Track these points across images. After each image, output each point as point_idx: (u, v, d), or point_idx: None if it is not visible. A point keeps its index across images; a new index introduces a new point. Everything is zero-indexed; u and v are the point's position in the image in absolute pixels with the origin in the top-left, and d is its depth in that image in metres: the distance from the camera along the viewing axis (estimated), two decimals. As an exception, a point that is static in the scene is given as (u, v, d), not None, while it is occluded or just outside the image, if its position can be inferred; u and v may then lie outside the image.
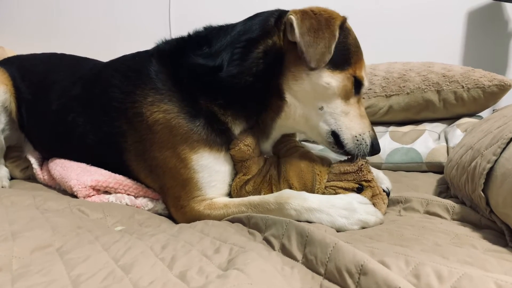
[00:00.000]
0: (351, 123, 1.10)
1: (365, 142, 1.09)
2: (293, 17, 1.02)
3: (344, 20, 1.08)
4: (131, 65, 1.20)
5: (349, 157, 1.13)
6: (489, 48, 2.28)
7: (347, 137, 1.09)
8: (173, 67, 1.12)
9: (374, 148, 1.11)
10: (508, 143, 0.84)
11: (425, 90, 1.70)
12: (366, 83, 1.13)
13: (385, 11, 2.30)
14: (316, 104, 1.08)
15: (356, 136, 1.09)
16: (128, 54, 1.30)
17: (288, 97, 1.08)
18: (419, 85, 1.72)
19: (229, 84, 1.06)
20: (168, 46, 1.18)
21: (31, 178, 1.48)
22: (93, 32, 2.57)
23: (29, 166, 1.46)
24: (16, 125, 1.47)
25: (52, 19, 2.59)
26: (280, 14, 1.10)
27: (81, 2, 2.58)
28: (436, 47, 2.27)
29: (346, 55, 1.08)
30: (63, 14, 2.59)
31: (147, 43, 1.26)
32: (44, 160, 1.45)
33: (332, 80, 1.06)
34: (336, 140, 1.10)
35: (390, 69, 1.83)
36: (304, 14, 1.04)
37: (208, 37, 1.14)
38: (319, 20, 1.03)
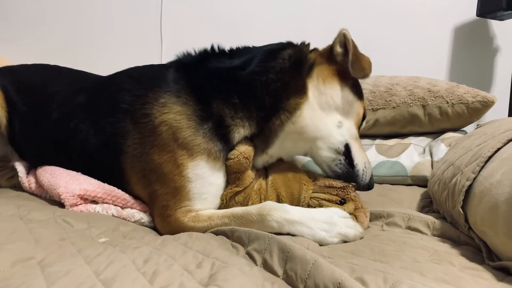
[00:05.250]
0: (359, 150, 1.19)
1: (368, 173, 1.18)
2: (346, 32, 1.16)
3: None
4: (146, 72, 1.23)
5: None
6: (475, 63, 2.33)
7: (358, 158, 1.16)
8: (194, 74, 1.15)
9: (371, 182, 1.20)
10: (486, 162, 0.87)
11: (411, 104, 1.73)
12: (364, 122, 1.27)
13: (373, 25, 2.34)
14: (336, 116, 1.16)
15: (365, 163, 1.17)
16: (140, 66, 1.31)
17: (310, 94, 1.14)
18: (405, 99, 1.74)
19: (249, 81, 1.11)
20: (190, 58, 1.23)
21: (17, 186, 1.47)
22: (80, 42, 2.57)
23: (14, 175, 1.45)
24: (5, 140, 1.45)
25: (45, 31, 2.58)
26: (305, 42, 1.25)
27: (67, 11, 2.57)
28: (422, 61, 2.31)
29: (360, 90, 1.24)
30: (55, 25, 2.58)
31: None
32: (30, 169, 1.44)
33: (354, 101, 1.19)
34: (346, 154, 1.15)
35: (377, 83, 1.85)
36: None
37: (230, 52, 1.23)
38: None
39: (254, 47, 1.23)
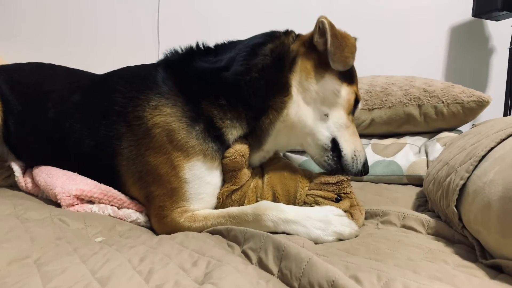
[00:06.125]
0: (350, 137, 1.16)
1: (360, 160, 1.15)
2: (325, 20, 1.10)
3: (355, 39, 1.17)
4: (137, 73, 1.23)
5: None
6: (470, 63, 2.34)
7: (345, 148, 1.14)
8: (181, 74, 1.15)
9: (366, 168, 1.17)
10: (480, 161, 0.87)
11: (407, 104, 1.74)
12: (360, 104, 1.22)
13: (370, 26, 2.35)
14: (322, 109, 1.13)
15: (354, 151, 1.15)
16: (132, 66, 1.31)
17: (294, 91, 1.12)
18: (400, 99, 1.75)
19: (233, 82, 1.10)
20: (177, 55, 1.23)
21: (13, 186, 1.47)
22: (77, 41, 2.57)
23: (11, 174, 1.45)
24: (1, 139, 1.44)
25: (42, 29, 2.58)
26: (289, 30, 1.21)
27: (64, 10, 2.57)
28: (418, 61, 2.32)
29: (351, 73, 1.18)
30: (52, 23, 2.58)
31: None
32: (27, 169, 1.44)
33: (341, 89, 1.14)
34: (334, 148, 1.14)
35: (374, 82, 1.86)
36: (331, 22, 1.11)
37: (216, 48, 1.21)
38: (340, 31, 1.13)
39: (239, 41, 1.21)
